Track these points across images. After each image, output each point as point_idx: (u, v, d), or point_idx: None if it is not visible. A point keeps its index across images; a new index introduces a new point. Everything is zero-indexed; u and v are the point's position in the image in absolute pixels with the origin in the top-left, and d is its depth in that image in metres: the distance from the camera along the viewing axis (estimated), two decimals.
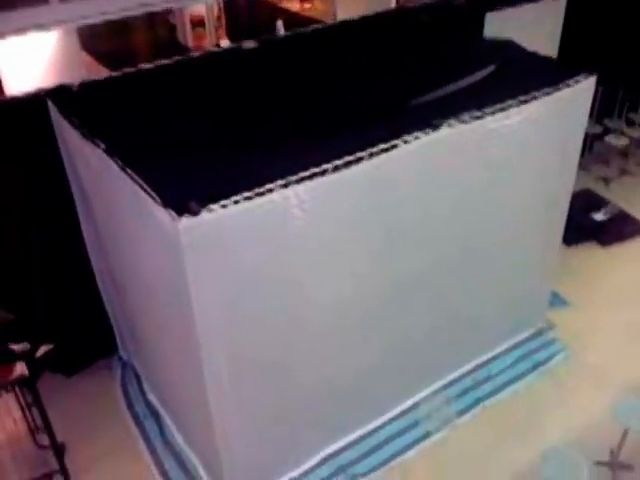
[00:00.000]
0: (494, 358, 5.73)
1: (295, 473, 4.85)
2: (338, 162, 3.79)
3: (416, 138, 4.09)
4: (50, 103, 4.58)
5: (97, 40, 10.51)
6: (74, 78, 4.97)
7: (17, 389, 4.66)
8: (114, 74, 5.01)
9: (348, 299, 4.38)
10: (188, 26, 11.51)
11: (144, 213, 3.67)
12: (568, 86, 4.74)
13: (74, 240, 5.13)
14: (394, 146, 4.00)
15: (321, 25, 6.25)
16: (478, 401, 5.39)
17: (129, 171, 3.73)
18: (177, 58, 5.20)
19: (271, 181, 3.60)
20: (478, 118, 4.35)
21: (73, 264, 5.25)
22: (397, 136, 4.03)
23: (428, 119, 4.22)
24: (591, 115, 5.69)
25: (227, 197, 3.47)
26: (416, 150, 4.12)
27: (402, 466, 4.95)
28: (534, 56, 5.26)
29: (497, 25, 6.46)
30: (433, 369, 5.40)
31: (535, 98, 4.58)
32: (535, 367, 5.69)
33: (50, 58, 6.72)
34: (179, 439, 5.11)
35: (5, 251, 5.06)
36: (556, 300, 6.25)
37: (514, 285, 5.47)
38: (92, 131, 4.17)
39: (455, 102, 4.54)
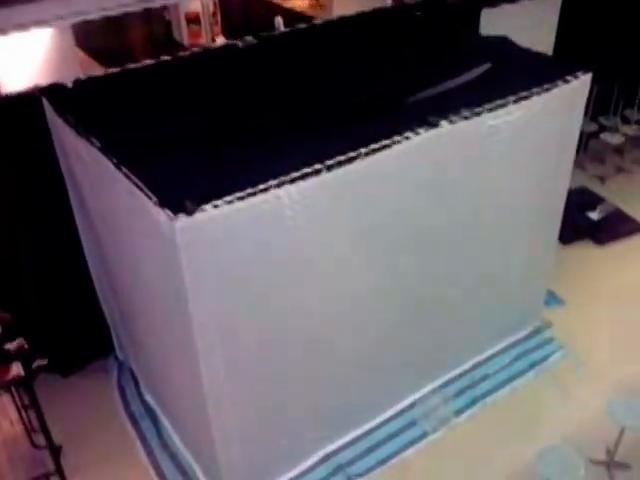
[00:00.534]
0: (491, 357, 5.72)
1: (293, 473, 4.84)
2: (334, 160, 3.77)
3: (412, 136, 4.08)
4: (45, 101, 4.55)
5: (92, 37, 10.45)
6: (69, 76, 4.94)
7: (13, 390, 4.64)
8: (109, 71, 4.98)
9: (344, 298, 4.37)
10: (183, 23, 11.46)
11: (140, 212, 3.65)
12: (564, 83, 4.74)
13: (70, 239, 5.11)
14: (390, 144, 3.99)
15: (317, 21, 6.23)
16: (475, 400, 5.38)
17: (124, 169, 3.71)
18: (172, 55, 5.17)
19: (267, 179, 3.59)
20: (474, 115, 4.33)
21: (69, 263, 5.23)
22: (393, 134, 4.02)
23: (424, 116, 4.21)
24: (586, 113, 5.69)
25: (223, 196, 3.46)
26: (412, 148, 4.11)
27: (400, 465, 4.94)
28: (530, 53, 5.26)
29: (493, 22, 6.46)
30: (430, 369, 5.40)
31: (531, 95, 4.57)
32: (532, 366, 5.69)
33: (45, 55, 6.68)
34: (176, 440, 5.09)
35: (0, 250, 5.03)
36: (552, 299, 6.26)
37: (510, 284, 5.47)
38: (87, 129, 4.14)
39: (451, 99, 4.53)
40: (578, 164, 6.71)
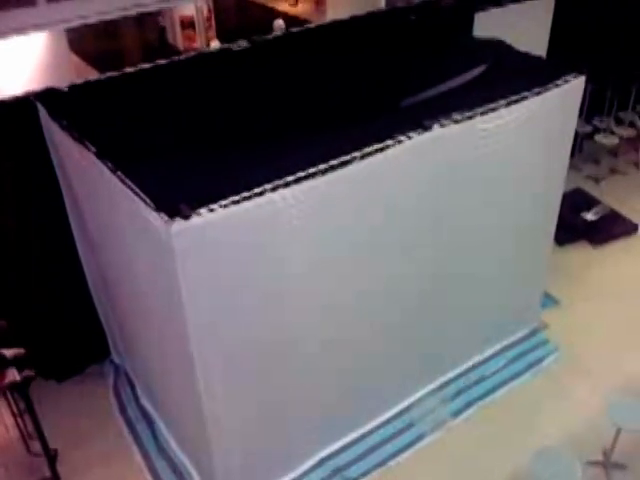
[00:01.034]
0: (488, 359, 5.73)
1: (290, 477, 4.83)
2: (328, 164, 3.78)
3: (407, 138, 4.09)
4: (39, 106, 4.54)
5: (86, 42, 10.46)
6: (63, 80, 4.94)
7: (9, 395, 4.62)
8: (104, 76, 4.98)
9: (342, 300, 4.37)
10: (178, 27, 11.49)
11: (135, 216, 3.64)
12: (557, 86, 4.76)
13: (65, 244, 5.10)
14: (385, 147, 4.00)
15: (311, 25, 6.24)
16: (472, 402, 5.39)
17: (120, 174, 3.70)
18: (167, 59, 5.17)
19: (262, 183, 3.59)
20: (469, 118, 4.35)
21: (64, 268, 5.21)
22: (388, 136, 4.03)
23: (419, 119, 4.22)
24: (580, 114, 5.71)
25: (219, 200, 3.46)
26: (407, 150, 4.12)
27: (397, 468, 4.94)
28: (524, 56, 5.28)
29: (486, 25, 6.47)
30: (427, 371, 5.40)
31: (525, 98, 4.58)
32: (529, 367, 5.70)
33: (39, 60, 6.68)
34: (172, 444, 5.08)
35: None
36: (548, 300, 6.27)
37: (507, 285, 5.48)
38: (82, 134, 4.14)
39: (446, 102, 4.55)
40: (573, 165, 6.72)
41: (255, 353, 4.08)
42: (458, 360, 5.60)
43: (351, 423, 5.08)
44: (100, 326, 5.59)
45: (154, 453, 5.05)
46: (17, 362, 4.41)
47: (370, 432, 5.14)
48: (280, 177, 3.64)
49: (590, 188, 7.96)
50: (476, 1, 6.58)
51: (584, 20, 7.53)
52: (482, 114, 4.40)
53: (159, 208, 3.39)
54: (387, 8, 7.37)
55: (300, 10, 13.30)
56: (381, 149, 3.98)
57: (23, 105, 4.53)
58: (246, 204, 3.53)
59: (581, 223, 7.28)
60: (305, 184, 3.72)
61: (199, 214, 3.39)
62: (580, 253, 7.08)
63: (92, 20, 5.97)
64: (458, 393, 5.46)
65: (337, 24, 6.04)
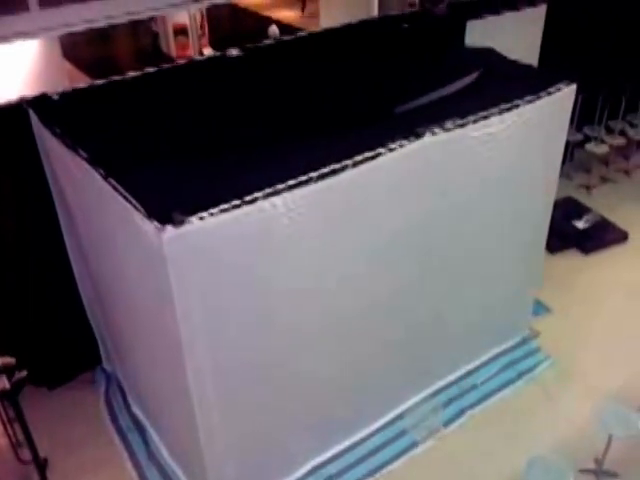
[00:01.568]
0: (479, 367, 5.72)
1: None
2: (322, 171, 3.79)
3: (400, 146, 4.10)
4: (32, 112, 4.53)
5: (79, 49, 10.45)
6: (56, 87, 4.93)
7: None
8: (96, 83, 4.97)
9: (334, 307, 4.36)
10: (171, 34, 11.48)
11: (127, 223, 3.63)
12: (549, 94, 4.79)
13: (57, 251, 5.08)
14: (377, 154, 4.00)
15: (305, 33, 6.26)
16: (464, 410, 5.38)
17: (112, 181, 3.70)
18: (160, 66, 5.17)
19: (253, 190, 3.59)
20: (461, 126, 4.37)
21: (56, 275, 5.19)
22: (381, 144, 4.04)
23: (411, 127, 4.24)
24: (571, 123, 5.74)
25: (211, 207, 3.46)
26: (400, 158, 4.13)
27: (390, 476, 4.93)
28: (515, 64, 5.31)
29: (478, 34, 6.50)
30: (419, 379, 5.40)
31: (516, 106, 4.61)
32: (520, 375, 5.70)
33: (32, 67, 6.67)
34: (164, 452, 5.05)
35: None
36: (539, 308, 6.29)
37: (498, 293, 5.49)
38: (74, 140, 4.13)
39: (438, 110, 4.57)
40: (564, 174, 6.77)
41: (248, 362, 4.06)
42: (450, 368, 5.60)
43: (343, 431, 5.06)
44: (91, 333, 5.56)
45: (145, 461, 5.02)
46: (7, 370, 4.38)
47: (362, 440, 5.12)
48: (272, 185, 3.64)
49: (581, 196, 8.00)
50: (468, 10, 6.63)
51: (575, 29, 7.58)
52: (474, 122, 4.41)
53: (151, 215, 3.38)
54: (380, 16, 7.40)
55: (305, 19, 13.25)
56: (373, 157, 3.99)
57: (15, 112, 4.52)
58: (238, 211, 3.53)
59: (572, 231, 7.31)
60: (297, 192, 3.72)
61: (191, 221, 3.39)
62: (571, 261, 7.11)
63: (85, 28, 5.95)
64: (450, 401, 5.45)
65: (330, 32, 6.07)
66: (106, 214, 4.06)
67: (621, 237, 7.37)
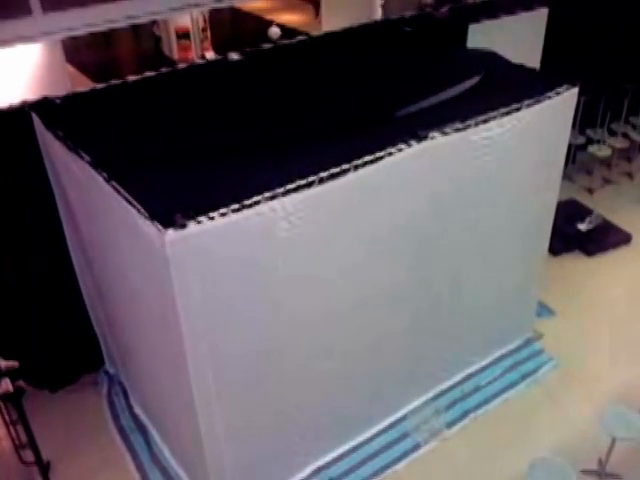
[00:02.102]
0: (483, 369, 5.72)
1: None
2: (324, 174, 3.79)
3: (401, 150, 4.10)
4: (34, 116, 4.55)
5: (82, 52, 10.49)
6: (59, 91, 4.94)
7: (2, 405, 4.59)
8: (98, 86, 4.99)
9: (336, 310, 4.37)
10: (173, 38, 11.50)
11: (130, 226, 3.65)
12: (551, 97, 4.79)
13: (59, 253, 5.09)
14: (379, 158, 4.01)
15: (306, 37, 6.27)
16: (467, 412, 5.38)
17: (114, 183, 3.71)
18: (162, 70, 5.19)
19: (254, 194, 3.59)
20: (462, 129, 4.37)
21: (59, 277, 5.20)
22: (382, 147, 4.04)
23: (413, 130, 4.24)
24: (574, 126, 5.74)
25: (213, 209, 3.47)
26: (401, 161, 4.13)
27: (392, 478, 4.93)
28: (517, 67, 5.31)
29: (480, 37, 6.52)
30: (422, 381, 5.39)
31: (518, 109, 4.61)
32: (524, 377, 5.70)
33: (34, 70, 6.68)
34: (166, 453, 5.06)
35: None
36: (543, 310, 6.28)
37: (502, 296, 5.49)
38: (77, 143, 4.15)
39: (439, 113, 4.57)
40: (567, 176, 6.77)
41: (250, 362, 4.07)
42: (453, 370, 5.60)
43: (346, 433, 5.06)
44: (94, 336, 5.57)
45: (148, 463, 5.03)
46: (10, 373, 4.39)
47: (365, 442, 5.12)
48: (272, 188, 3.64)
49: (584, 199, 8.00)
50: (470, 13, 6.64)
51: (578, 32, 7.59)
52: (475, 125, 4.42)
53: (153, 217, 3.39)
54: (382, 20, 7.41)
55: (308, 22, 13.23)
56: (374, 160, 3.99)
57: (18, 115, 4.54)
58: (241, 213, 3.54)
59: (575, 233, 7.31)
60: (297, 196, 3.72)
61: (193, 223, 3.39)
62: (574, 263, 7.10)
63: (88, 31, 5.96)
64: (453, 403, 5.45)
65: (331, 35, 6.08)
66: (108, 216, 4.07)
67: (624, 239, 7.37)
